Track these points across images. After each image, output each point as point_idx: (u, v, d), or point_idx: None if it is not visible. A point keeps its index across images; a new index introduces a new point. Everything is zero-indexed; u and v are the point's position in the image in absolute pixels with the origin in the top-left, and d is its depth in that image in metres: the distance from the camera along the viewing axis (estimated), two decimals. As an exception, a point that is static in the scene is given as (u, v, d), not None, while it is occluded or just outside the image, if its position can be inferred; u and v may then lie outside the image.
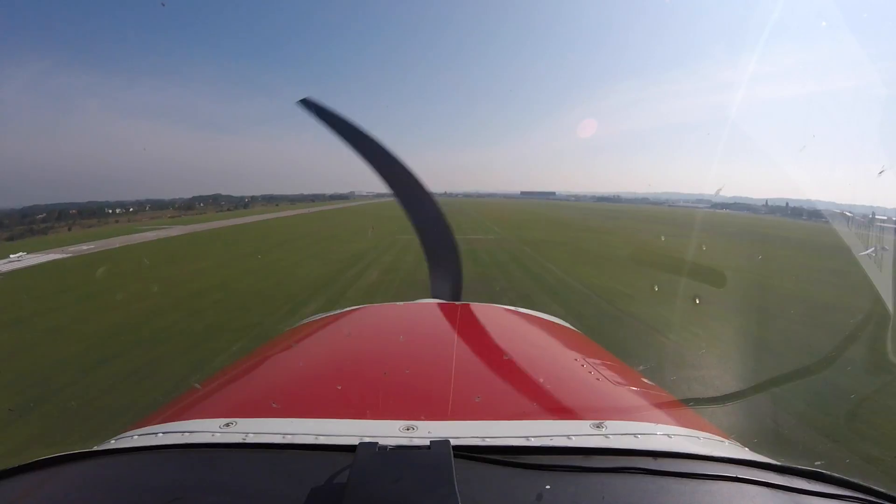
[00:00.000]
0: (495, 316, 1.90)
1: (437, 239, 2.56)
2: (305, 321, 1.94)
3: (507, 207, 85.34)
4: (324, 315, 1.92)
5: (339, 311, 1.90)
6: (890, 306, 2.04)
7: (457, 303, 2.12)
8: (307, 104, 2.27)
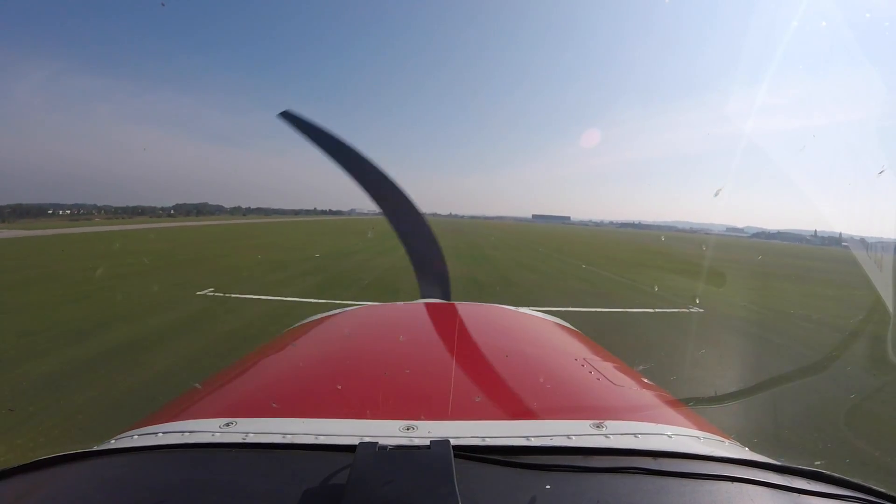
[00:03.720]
0: (495, 316, 1.89)
1: (421, 243, 2.57)
2: (305, 321, 1.85)
3: (540, 232, 65.78)
4: (324, 315, 1.88)
5: (338, 311, 1.90)
6: None
7: (457, 303, 2.10)
8: (288, 116, 2.28)
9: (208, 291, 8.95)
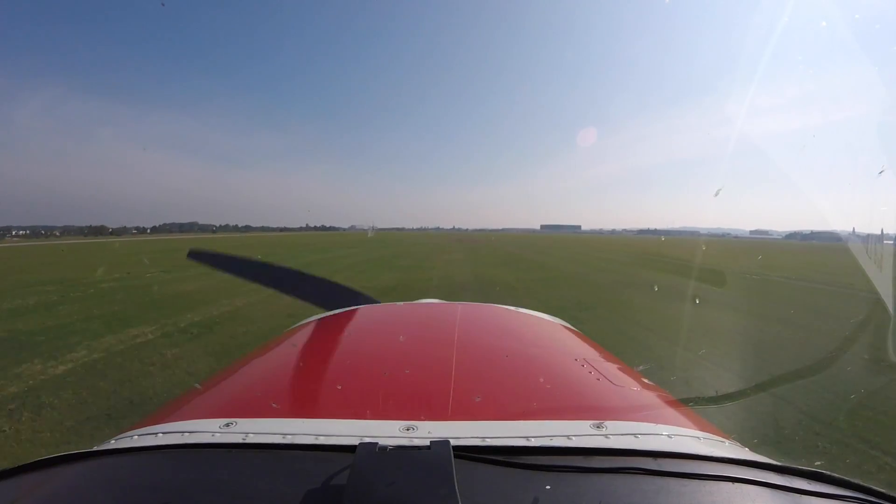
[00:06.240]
0: (495, 316, 1.89)
1: (303, 286, 2.63)
2: (305, 321, 1.88)
3: (581, 244, 52.56)
4: (324, 315, 1.91)
5: (339, 311, 1.91)
6: None
7: (457, 303, 2.14)
8: (197, 255, 2.48)
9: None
